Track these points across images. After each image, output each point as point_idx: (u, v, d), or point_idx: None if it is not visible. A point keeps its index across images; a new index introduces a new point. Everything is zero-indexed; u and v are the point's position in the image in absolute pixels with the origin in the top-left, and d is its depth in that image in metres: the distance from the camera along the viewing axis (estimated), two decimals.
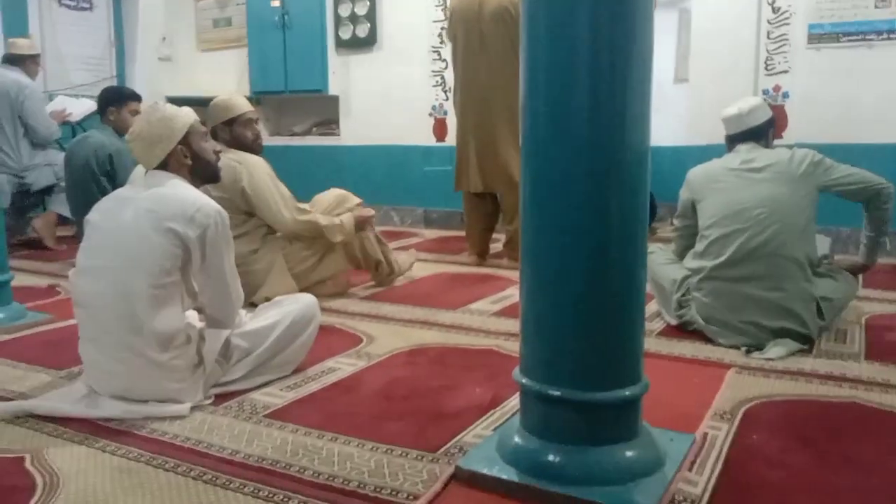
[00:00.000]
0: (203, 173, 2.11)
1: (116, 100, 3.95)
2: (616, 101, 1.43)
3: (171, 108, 2.05)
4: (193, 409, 1.94)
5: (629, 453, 1.50)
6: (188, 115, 2.07)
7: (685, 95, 4.78)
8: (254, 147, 3.11)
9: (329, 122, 6.17)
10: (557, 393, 1.48)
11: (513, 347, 2.49)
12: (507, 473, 1.51)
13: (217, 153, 2.18)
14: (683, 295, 2.69)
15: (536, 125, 1.48)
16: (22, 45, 4.78)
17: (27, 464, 1.66)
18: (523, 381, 1.55)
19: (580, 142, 1.43)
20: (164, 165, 2.02)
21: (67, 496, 1.51)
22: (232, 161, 2.90)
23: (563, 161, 1.45)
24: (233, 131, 3.07)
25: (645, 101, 1.47)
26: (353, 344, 2.57)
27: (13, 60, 4.69)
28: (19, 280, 3.17)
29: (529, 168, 1.51)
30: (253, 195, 2.97)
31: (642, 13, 1.43)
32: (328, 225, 3.11)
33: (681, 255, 2.85)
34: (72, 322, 2.78)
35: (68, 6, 5.88)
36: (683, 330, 2.66)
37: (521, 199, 1.54)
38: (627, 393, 1.49)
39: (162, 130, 1.99)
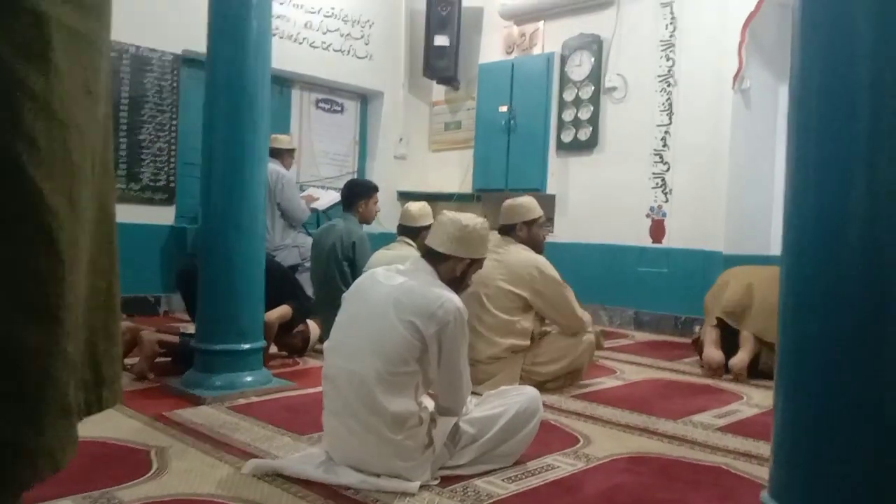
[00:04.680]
0: (454, 286, 2.21)
1: (365, 192, 4.40)
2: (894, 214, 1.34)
3: (487, 233, 2.28)
4: (421, 487, 2.02)
5: None
6: (487, 249, 2.30)
7: None
8: (542, 245, 3.48)
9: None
10: None
11: (745, 468, 2.33)
12: None
13: (468, 286, 2.34)
14: None
15: (804, 226, 1.43)
16: (282, 140, 5.48)
17: None
18: None
19: (854, 245, 1.35)
20: (437, 259, 2.20)
21: None
22: (529, 261, 3.30)
23: (834, 262, 1.37)
24: (531, 231, 3.43)
25: None
26: (571, 443, 2.54)
27: (273, 153, 5.36)
28: None
29: (793, 266, 1.45)
30: (548, 294, 3.28)
31: None
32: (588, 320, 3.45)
33: None
34: (311, 390, 3.06)
35: (324, 108, 6.70)
36: None
37: (780, 300, 1.48)
38: None
39: (469, 241, 2.21)
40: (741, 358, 3.75)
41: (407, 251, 3.70)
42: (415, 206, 4.05)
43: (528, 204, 3.43)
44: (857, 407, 1.36)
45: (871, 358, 1.35)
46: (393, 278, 2.16)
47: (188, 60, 5.47)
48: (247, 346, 3.07)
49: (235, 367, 3.05)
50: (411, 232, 3.94)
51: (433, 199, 6.91)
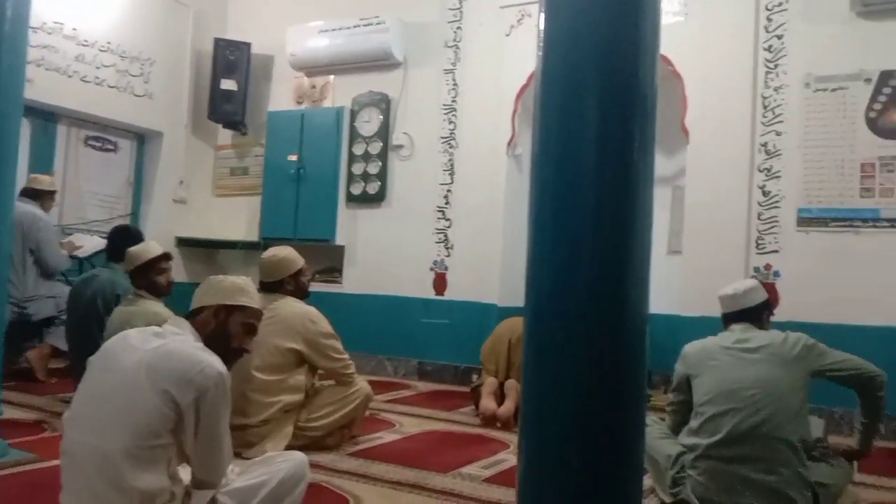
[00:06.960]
0: (217, 347, 2.02)
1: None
2: (616, 274, 1.50)
3: (243, 285, 2.14)
4: None
5: None
6: (257, 298, 2.16)
7: (679, 267, 4.93)
8: (308, 292, 3.53)
9: (332, 270, 6.30)
10: None
11: None
12: None
13: (244, 351, 2.14)
14: (678, 472, 2.65)
15: (540, 293, 1.55)
16: (43, 181, 4.97)
17: None
18: None
19: (581, 311, 1.49)
20: (193, 317, 2.07)
21: None
22: (302, 313, 3.31)
23: (563, 329, 1.50)
24: (298, 281, 3.45)
25: (644, 274, 1.54)
26: None
27: (32, 195, 4.85)
28: (5, 413, 3.12)
29: (531, 335, 1.56)
30: (321, 343, 3.30)
31: (643, 199, 1.54)
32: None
33: (675, 430, 2.83)
34: (55, 463, 2.72)
35: (94, 147, 6.19)
36: None
37: (523, 368, 1.57)
38: None
39: (218, 289, 2.09)
40: (507, 407, 3.98)
41: (153, 307, 3.47)
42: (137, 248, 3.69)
43: (291, 256, 3.46)
44: (586, 463, 1.47)
45: (607, 406, 1.48)
46: (148, 341, 1.98)
47: None
48: None
49: None
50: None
51: (217, 246, 6.64)
